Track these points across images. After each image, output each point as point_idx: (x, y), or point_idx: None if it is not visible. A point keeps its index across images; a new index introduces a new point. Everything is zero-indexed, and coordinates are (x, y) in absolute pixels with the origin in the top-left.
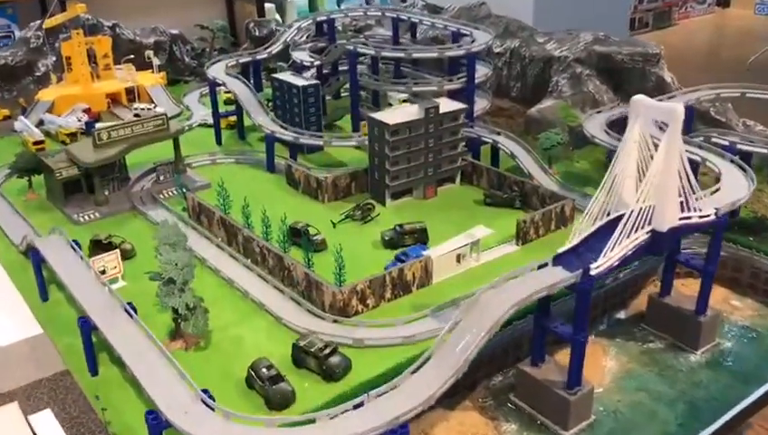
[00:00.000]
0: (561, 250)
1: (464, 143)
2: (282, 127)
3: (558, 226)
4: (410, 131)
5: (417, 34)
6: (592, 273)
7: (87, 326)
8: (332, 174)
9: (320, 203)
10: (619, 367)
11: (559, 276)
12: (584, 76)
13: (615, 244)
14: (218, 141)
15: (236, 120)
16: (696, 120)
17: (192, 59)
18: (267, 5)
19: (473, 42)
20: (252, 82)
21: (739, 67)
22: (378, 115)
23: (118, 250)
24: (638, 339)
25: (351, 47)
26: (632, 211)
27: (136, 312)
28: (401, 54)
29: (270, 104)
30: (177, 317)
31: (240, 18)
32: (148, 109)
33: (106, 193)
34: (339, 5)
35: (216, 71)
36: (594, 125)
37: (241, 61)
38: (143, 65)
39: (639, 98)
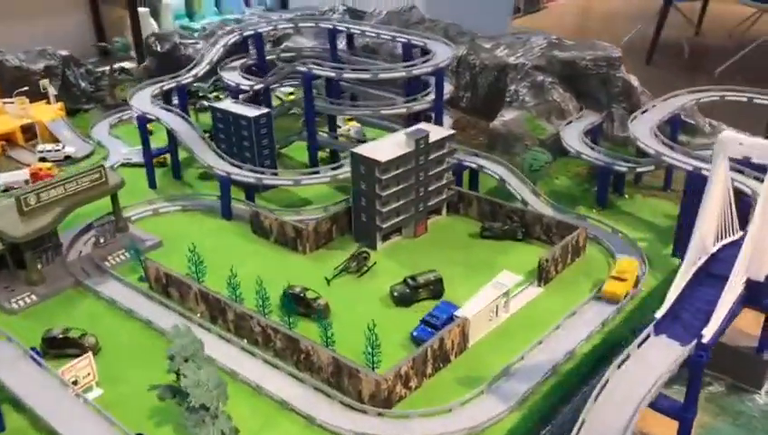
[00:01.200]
0: (658, 314)
1: (450, 172)
2: (235, 166)
3: (573, 258)
4: (400, 166)
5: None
6: (705, 341)
7: None
8: (313, 222)
9: (300, 254)
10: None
11: (672, 353)
12: (547, 84)
13: (722, 302)
14: (152, 185)
15: (170, 157)
16: (663, 124)
17: (90, 83)
18: (141, 10)
19: (431, 54)
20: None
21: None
22: (363, 150)
23: (90, 355)
24: None
25: (305, 69)
26: (739, 265)
27: None
28: (366, 76)
29: (207, 135)
30: None
31: (108, 24)
32: (56, 150)
33: (40, 267)
34: (217, 8)
35: (142, 103)
36: (572, 138)
37: (165, 88)
38: (35, 95)
39: (729, 135)
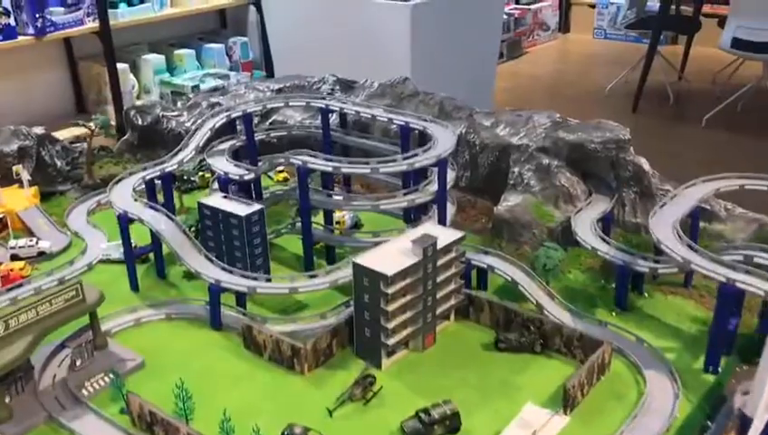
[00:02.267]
0: None
1: (460, 276)
2: (226, 270)
3: (598, 376)
4: (407, 277)
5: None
6: None
7: None
8: (312, 339)
9: (298, 375)
10: None
11: None
12: (554, 168)
13: None
14: (134, 286)
15: (154, 255)
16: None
17: (67, 163)
18: (120, 66)
19: (432, 142)
20: (162, 203)
21: (597, 94)
22: (366, 261)
23: None
24: None
25: (299, 162)
26: None
27: None
28: (366, 170)
29: (192, 229)
30: None
31: (86, 81)
32: (29, 245)
33: (8, 400)
34: (199, 62)
35: (123, 200)
36: (585, 229)
37: (148, 177)
38: (5, 179)
39: None
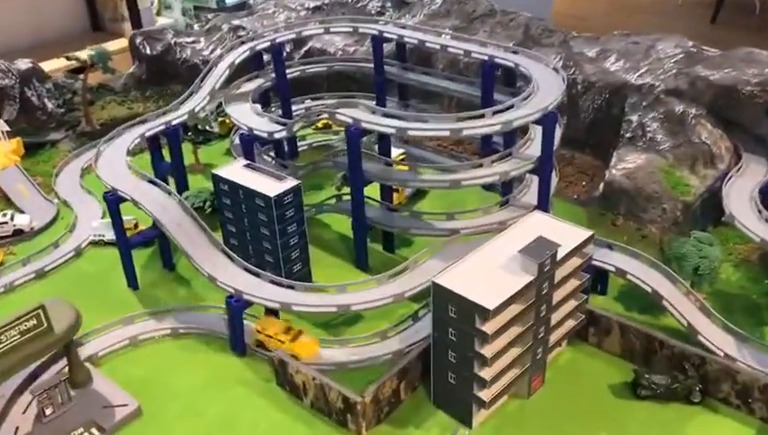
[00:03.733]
0: None
1: (583, 289)
2: (252, 272)
3: None
4: (513, 305)
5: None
6: None
7: None
8: (373, 385)
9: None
10: None
11: None
12: (690, 118)
13: None
14: (132, 284)
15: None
16: None
17: (59, 105)
18: None
19: (531, 86)
20: (170, 161)
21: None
22: (453, 282)
23: None
24: None
25: (350, 121)
26: None
27: None
28: (445, 132)
29: (207, 208)
30: None
31: (101, 5)
32: (3, 222)
33: None
34: None
35: (113, 169)
36: (742, 206)
37: (149, 134)
38: None
39: None
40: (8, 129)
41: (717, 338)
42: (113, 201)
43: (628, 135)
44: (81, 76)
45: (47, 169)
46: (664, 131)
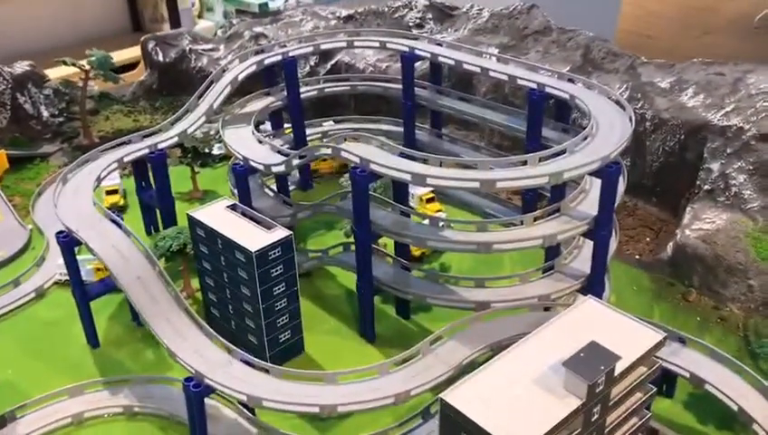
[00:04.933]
0: None
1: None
2: (224, 347)
3: None
4: None
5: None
6: None
7: None
8: None
9: None
10: None
11: None
12: None
13: None
14: (92, 341)
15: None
16: None
17: (56, 114)
18: None
19: (589, 125)
20: (152, 192)
21: (742, 25)
22: (469, 405)
23: None
24: None
25: (357, 161)
26: None
27: None
28: (475, 184)
29: (189, 248)
30: None
31: (142, 4)
32: None
33: None
34: None
35: (73, 212)
36: None
37: (127, 159)
38: None
39: None
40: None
41: None
42: (67, 244)
43: (706, 187)
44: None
45: (29, 189)
46: (754, 186)
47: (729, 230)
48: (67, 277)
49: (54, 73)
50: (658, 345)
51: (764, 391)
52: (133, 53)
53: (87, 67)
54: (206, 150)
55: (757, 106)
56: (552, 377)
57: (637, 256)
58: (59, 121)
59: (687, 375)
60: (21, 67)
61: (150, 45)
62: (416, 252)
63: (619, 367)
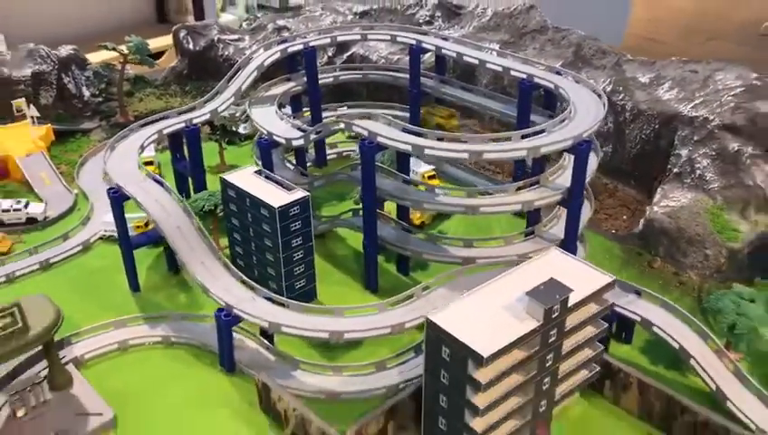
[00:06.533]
0: None
1: (602, 338)
2: (249, 286)
3: None
4: (512, 353)
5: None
6: None
7: None
8: (357, 423)
9: None
10: None
11: None
12: (745, 157)
13: None
14: (133, 285)
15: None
16: None
17: (95, 94)
18: None
19: (567, 112)
20: (187, 163)
21: (750, 32)
22: (449, 321)
23: None
24: None
25: (365, 133)
26: None
27: None
28: (464, 155)
29: (219, 209)
30: None
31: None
32: (16, 208)
33: None
34: None
35: (121, 172)
36: None
37: (167, 131)
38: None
39: None
40: (38, 115)
41: (750, 408)
42: (117, 199)
43: (675, 170)
44: (119, 68)
45: (73, 159)
46: (715, 170)
47: (692, 207)
48: (110, 233)
49: (92, 58)
50: (608, 286)
51: (702, 334)
52: (159, 43)
53: (126, 52)
54: (233, 129)
55: (722, 100)
56: (517, 305)
57: (613, 231)
58: (98, 101)
59: (639, 319)
60: (66, 50)
61: (182, 34)
62: (416, 221)
63: (573, 299)
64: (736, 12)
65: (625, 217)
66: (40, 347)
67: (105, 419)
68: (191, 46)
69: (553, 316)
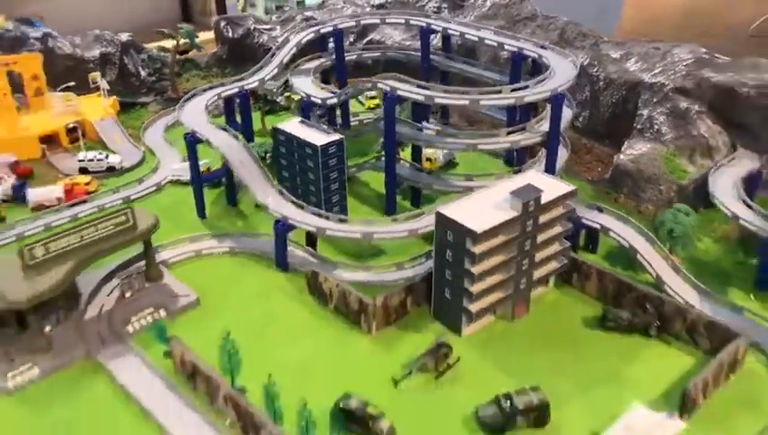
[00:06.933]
0: None
1: (566, 236)
2: (297, 205)
3: (726, 374)
4: (500, 235)
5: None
6: None
7: None
8: (383, 294)
9: (364, 333)
10: None
11: None
12: (693, 114)
13: None
14: (201, 213)
15: (225, 179)
16: None
17: (150, 74)
18: None
19: (548, 72)
20: (239, 121)
21: (739, 32)
22: (453, 212)
23: None
24: None
25: (387, 88)
26: None
27: None
28: (464, 101)
29: (268, 157)
30: None
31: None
32: (99, 159)
33: (48, 329)
34: None
35: (193, 117)
36: (724, 190)
37: (224, 94)
38: (86, 88)
39: None
40: (108, 87)
41: (682, 290)
42: (191, 142)
43: (638, 127)
44: (171, 47)
45: (137, 124)
46: (668, 124)
47: (650, 154)
48: (178, 177)
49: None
50: (572, 193)
51: (649, 239)
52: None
53: (179, 38)
54: (274, 99)
55: (676, 69)
56: (503, 202)
57: (589, 178)
58: (152, 80)
59: (599, 227)
60: (125, 36)
61: (222, 24)
62: (427, 167)
63: (544, 199)
64: (726, 12)
65: (600, 169)
66: (141, 245)
67: (191, 299)
68: (230, 34)
69: (529, 210)
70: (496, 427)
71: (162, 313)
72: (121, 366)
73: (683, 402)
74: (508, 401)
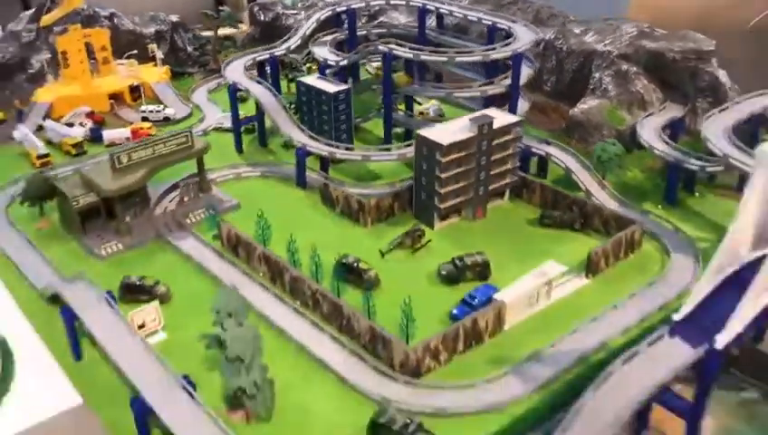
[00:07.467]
0: (677, 317)
1: (516, 158)
2: (313, 138)
3: (626, 253)
4: (461, 150)
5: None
6: (718, 347)
7: (142, 409)
8: (376, 196)
9: (362, 227)
10: (717, 425)
11: (680, 356)
12: (631, 74)
13: (741, 308)
14: (239, 149)
15: (257, 125)
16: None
17: (195, 49)
18: None
19: (513, 38)
20: (269, 81)
21: (741, 27)
22: (428, 133)
23: (157, 302)
24: (730, 387)
25: (386, 49)
26: (764, 274)
27: (194, 388)
28: (443, 58)
29: (292, 106)
30: (242, 394)
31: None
32: (157, 111)
33: (128, 219)
34: None
35: (234, 73)
36: (649, 132)
37: (258, 59)
38: (143, 58)
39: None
40: (162, 57)
41: (604, 200)
42: (234, 91)
43: (591, 87)
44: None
45: (185, 89)
46: (613, 84)
47: (598, 107)
48: (220, 125)
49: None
50: (520, 122)
51: (582, 163)
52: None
53: (219, 18)
54: (299, 68)
55: (622, 40)
56: (465, 126)
57: (550, 129)
58: (197, 54)
59: (545, 154)
60: (175, 17)
61: (255, 8)
62: (418, 116)
63: (496, 125)
64: (743, 6)
65: (562, 124)
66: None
67: (233, 203)
68: (262, 18)
69: (484, 132)
70: (452, 277)
71: (212, 211)
72: (183, 243)
73: (588, 264)
74: (460, 260)
